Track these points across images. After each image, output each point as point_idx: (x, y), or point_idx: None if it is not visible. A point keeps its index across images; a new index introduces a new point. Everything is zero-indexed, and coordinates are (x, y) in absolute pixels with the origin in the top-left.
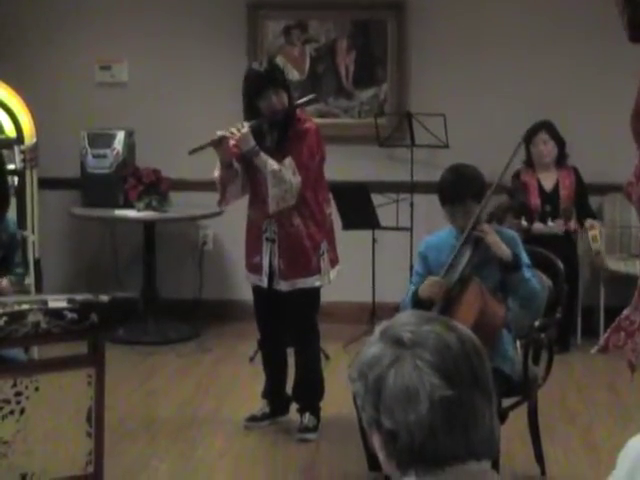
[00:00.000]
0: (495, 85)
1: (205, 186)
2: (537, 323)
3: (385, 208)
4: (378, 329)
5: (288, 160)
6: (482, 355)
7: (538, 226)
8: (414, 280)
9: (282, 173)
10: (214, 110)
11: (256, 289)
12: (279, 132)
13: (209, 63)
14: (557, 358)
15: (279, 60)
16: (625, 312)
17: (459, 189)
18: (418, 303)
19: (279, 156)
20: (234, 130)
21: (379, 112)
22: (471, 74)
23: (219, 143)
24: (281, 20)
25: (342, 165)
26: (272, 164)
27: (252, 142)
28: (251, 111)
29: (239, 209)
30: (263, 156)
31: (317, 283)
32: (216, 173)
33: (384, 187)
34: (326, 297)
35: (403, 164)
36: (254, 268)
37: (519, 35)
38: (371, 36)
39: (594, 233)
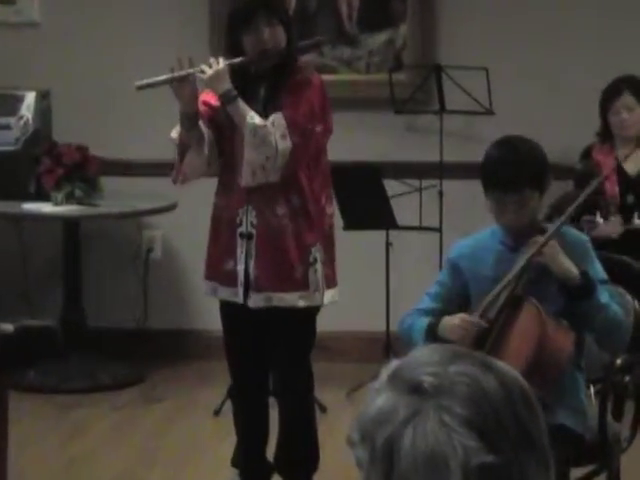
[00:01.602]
0: (560, 28)
1: (151, 169)
2: (619, 361)
3: (404, 200)
4: (385, 372)
5: (277, 117)
6: (533, 404)
7: (611, 226)
8: (433, 291)
9: (266, 130)
10: (162, 62)
11: (227, 309)
12: (270, 83)
13: (158, 9)
14: None
15: None
16: None
17: (514, 171)
18: (435, 342)
19: (267, 116)
20: (204, 67)
21: (395, 65)
22: (525, 10)
23: (181, 81)
24: None
25: (343, 140)
26: (254, 116)
27: (228, 83)
28: (235, 51)
29: (200, 200)
30: (242, 105)
31: (301, 303)
32: (174, 133)
33: (402, 170)
34: (323, 325)
35: (429, 138)
36: (226, 278)
37: None
38: None
39: None
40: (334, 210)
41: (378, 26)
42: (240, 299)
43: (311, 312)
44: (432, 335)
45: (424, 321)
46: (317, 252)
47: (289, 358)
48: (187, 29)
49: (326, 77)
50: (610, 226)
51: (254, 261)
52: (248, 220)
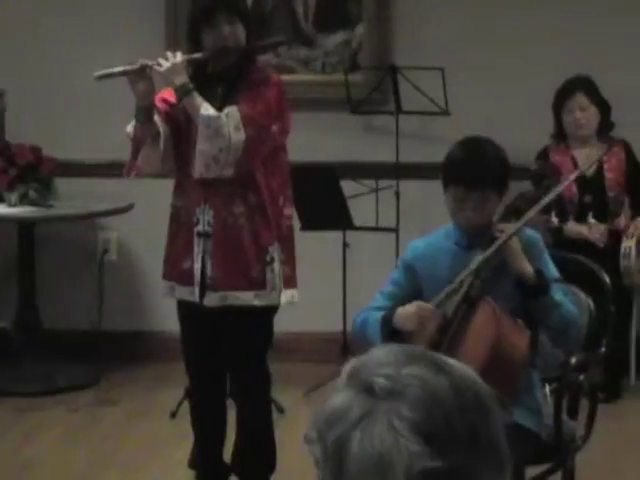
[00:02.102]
0: (516, 28)
1: (106, 170)
2: (574, 360)
3: (360, 200)
4: (345, 370)
5: (232, 109)
6: (488, 407)
7: (573, 227)
8: (386, 290)
9: (220, 122)
10: (118, 61)
11: (185, 309)
12: (228, 81)
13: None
14: (603, 408)
15: None
16: None
17: (480, 170)
18: (391, 333)
19: None
20: (162, 60)
21: (351, 65)
22: (481, 11)
23: (138, 73)
24: None
25: (299, 140)
26: (208, 108)
27: (184, 77)
28: (195, 47)
29: (156, 200)
30: (197, 98)
31: (257, 302)
32: (129, 127)
33: (359, 171)
34: (280, 326)
35: (385, 138)
36: (183, 277)
37: None
38: None
39: (628, 245)
40: (293, 211)
41: (334, 27)
42: (196, 298)
43: (267, 312)
44: (387, 326)
45: (378, 314)
46: (274, 251)
47: (245, 359)
48: (143, 26)
49: (283, 77)
50: (596, 234)
51: (211, 260)
52: (205, 219)
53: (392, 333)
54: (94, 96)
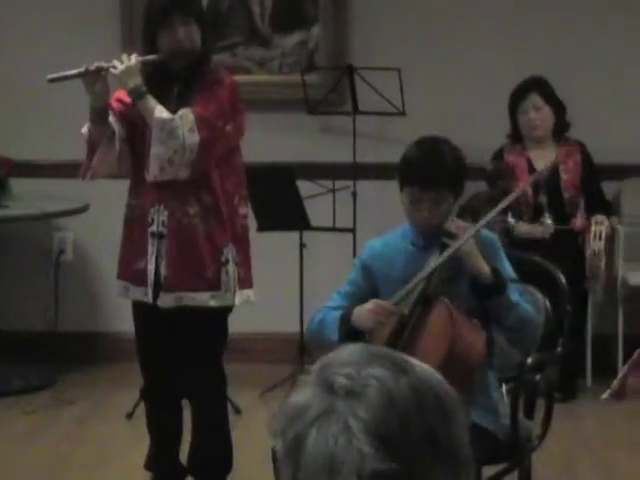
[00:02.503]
0: (471, 29)
1: (61, 170)
2: (530, 360)
3: (317, 200)
4: (316, 365)
5: (185, 111)
6: (450, 410)
7: (521, 226)
8: (343, 291)
9: (173, 124)
10: (72, 60)
11: (139, 309)
12: (183, 82)
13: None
14: (559, 408)
15: None
16: None
17: (436, 170)
18: (349, 332)
19: None
20: (116, 62)
21: (308, 66)
22: (437, 12)
23: (93, 75)
24: None
25: (256, 140)
26: (162, 110)
27: (138, 79)
28: (151, 49)
29: (111, 202)
30: (151, 100)
31: (212, 302)
32: (84, 129)
33: (315, 171)
34: (237, 326)
35: (342, 139)
36: (137, 277)
37: None
38: None
39: (598, 229)
40: (248, 211)
41: (291, 27)
42: (150, 299)
43: (222, 312)
44: (346, 325)
45: (336, 313)
46: (229, 252)
47: (200, 359)
48: (98, 26)
49: (239, 78)
50: (545, 233)
51: (165, 261)
52: (159, 219)
53: (350, 332)
54: (50, 96)
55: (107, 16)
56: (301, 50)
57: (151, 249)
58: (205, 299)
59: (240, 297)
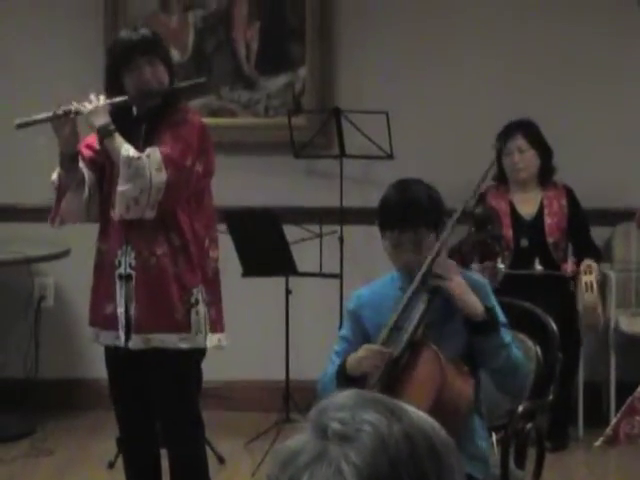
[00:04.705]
0: (458, 72)
1: (42, 214)
2: (521, 408)
3: (303, 246)
4: (312, 411)
5: (152, 150)
6: (443, 457)
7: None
8: (339, 349)
9: (141, 162)
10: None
11: (111, 355)
12: (150, 123)
13: (48, 37)
14: (550, 457)
15: None
16: None
17: (409, 210)
18: (347, 382)
19: None
20: (85, 103)
21: (295, 108)
22: (424, 55)
23: (61, 118)
24: None
25: (241, 184)
26: (129, 149)
27: (106, 118)
28: (117, 90)
29: (93, 245)
30: (118, 139)
31: (182, 344)
32: (54, 175)
33: (302, 216)
34: (221, 374)
35: (329, 182)
36: (107, 322)
37: (491, 2)
38: None
39: (588, 279)
40: (219, 254)
41: (277, 69)
42: (122, 342)
43: (194, 356)
44: (343, 376)
45: (334, 369)
46: (199, 293)
47: (174, 405)
48: (81, 64)
49: (224, 120)
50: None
51: (134, 302)
52: (127, 261)
53: (348, 382)
54: (27, 139)
55: (90, 53)
56: (287, 92)
57: (119, 292)
58: (174, 341)
59: (211, 341)
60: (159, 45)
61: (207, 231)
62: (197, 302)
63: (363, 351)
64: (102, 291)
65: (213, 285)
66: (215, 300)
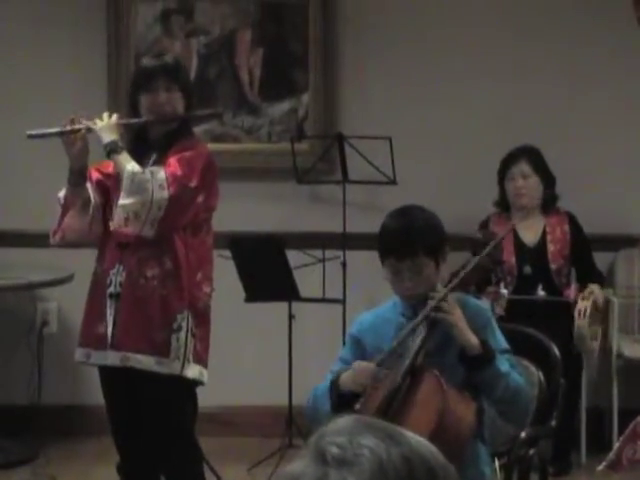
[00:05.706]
0: (461, 98)
1: (45, 240)
2: (523, 434)
3: (306, 271)
4: (313, 436)
5: (157, 168)
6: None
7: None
8: (336, 370)
9: (144, 177)
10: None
11: (105, 376)
12: (161, 150)
13: (53, 61)
14: None
15: None
16: None
17: (407, 237)
18: (339, 401)
19: None
20: (97, 120)
21: (298, 134)
22: (428, 81)
23: (72, 133)
24: (156, 2)
25: (244, 210)
26: (134, 166)
27: (116, 135)
28: (134, 112)
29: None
30: (125, 156)
31: (157, 368)
32: (61, 192)
33: (305, 241)
34: (224, 399)
35: (332, 208)
36: (99, 342)
37: (495, 27)
38: (286, 26)
39: (583, 306)
40: (212, 291)
41: (280, 95)
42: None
43: (189, 385)
44: (335, 391)
45: (326, 384)
46: (183, 320)
47: (170, 433)
48: (84, 88)
49: (227, 146)
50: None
51: (117, 320)
52: (117, 280)
53: (341, 398)
54: (32, 163)
55: (94, 77)
56: (290, 118)
57: (109, 310)
58: (150, 363)
59: (192, 371)
60: (179, 72)
61: (201, 264)
62: (180, 329)
63: (356, 365)
64: (95, 311)
65: (203, 319)
66: (203, 335)
